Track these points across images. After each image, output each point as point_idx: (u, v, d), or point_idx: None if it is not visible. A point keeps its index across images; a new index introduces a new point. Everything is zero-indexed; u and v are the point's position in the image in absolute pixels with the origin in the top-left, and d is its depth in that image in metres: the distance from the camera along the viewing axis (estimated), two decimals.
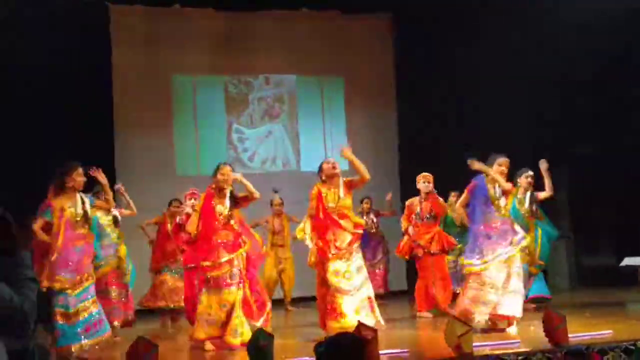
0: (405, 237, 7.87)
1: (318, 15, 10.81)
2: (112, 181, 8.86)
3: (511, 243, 5.93)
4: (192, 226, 5.92)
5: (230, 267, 5.76)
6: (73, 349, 5.53)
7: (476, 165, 5.99)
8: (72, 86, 9.00)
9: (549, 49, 9.56)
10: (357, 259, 5.96)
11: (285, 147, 10.96)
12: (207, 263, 5.75)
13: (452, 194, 8.39)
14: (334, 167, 6.04)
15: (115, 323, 6.79)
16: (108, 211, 6.86)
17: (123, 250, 7.05)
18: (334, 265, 5.81)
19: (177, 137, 10.48)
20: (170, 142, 10.41)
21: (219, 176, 5.91)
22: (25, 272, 2.38)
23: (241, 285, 5.80)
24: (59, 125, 8.90)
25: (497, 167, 6.01)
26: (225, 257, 5.75)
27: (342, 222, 5.94)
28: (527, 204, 7.54)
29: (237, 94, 10.85)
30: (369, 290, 5.99)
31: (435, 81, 10.09)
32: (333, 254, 5.83)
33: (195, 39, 10.43)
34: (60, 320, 5.52)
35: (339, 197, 5.97)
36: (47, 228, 5.67)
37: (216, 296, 5.72)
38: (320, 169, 6.11)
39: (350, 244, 5.91)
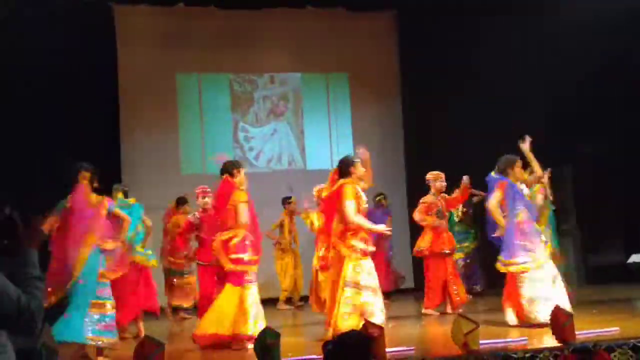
0: (431, 234, 7.75)
1: (322, 13, 10.81)
2: (118, 179, 8.94)
3: (545, 244, 5.98)
4: (245, 217, 5.77)
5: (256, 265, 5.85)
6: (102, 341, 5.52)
7: (525, 147, 6.05)
8: (78, 86, 9.03)
9: (552, 47, 9.55)
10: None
11: (290, 145, 10.96)
12: (254, 258, 5.77)
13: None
14: (364, 174, 5.81)
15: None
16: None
17: None
18: (367, 265, 5.62)
19: (182, 136, 10.50)
20: (176, 141, 10.43)
21: (244, 175, 5.94)
22: (31, 271, 2.39)
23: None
24: (65, 124, 8.93)
25: (517, 170, 6.04)
26: (259, 254, 5.84)
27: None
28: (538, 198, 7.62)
29: (242, 92, 10.85)
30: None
31: (439, 76, 10.07)
32: (366, 253, 5.65)
33: (199, 38, 10.43)
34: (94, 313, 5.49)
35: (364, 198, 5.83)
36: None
37: (247, 292, 5.70)
38: (352, 165, 5.71)
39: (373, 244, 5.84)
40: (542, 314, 5.67)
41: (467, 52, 9.74)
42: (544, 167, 7.69)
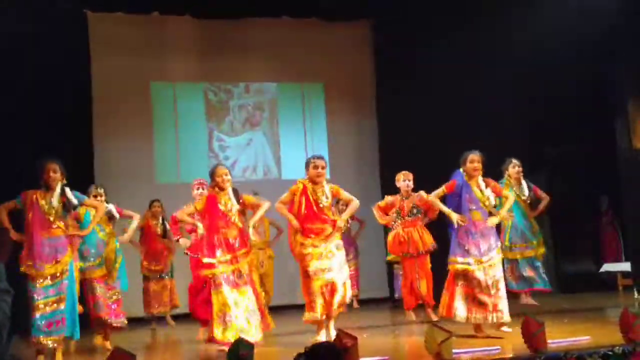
0: (390, 236, 7.83)
1: (298, 23, 10.82)
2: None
3: (495, 247, 5.98)
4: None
5: (237, 264, 5.90)
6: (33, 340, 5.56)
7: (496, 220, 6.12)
8: (51, 93, 8.93)
9: (528, 54, 9.65)
10: (334, 246, 6.02)
11: (265, 155, 10.94)
12: (214, 260, 5.84)
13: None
14: (318, 175, 6.11)
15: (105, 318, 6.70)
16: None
17: (111, 246, 6.89)
18: (309, 249, 5.96)
19: (157, 145, 10.42)
20: (150, 150, 10.36)
21: (217, 178, 6.05)
22: None
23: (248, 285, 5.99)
24: (38, 132, 8.81)
25: (469, 165, 6.03)
26: (229, 255, 5.89)
27: (323, 216, 6.05)
28: (526, 192, 7.63)
29: (217, 102, 10.82)
30: (340, 275, 6.01)
31: (415, 86, 10.13)
32: (310, 243, 5.96)
33: (174, 47, 10.40)
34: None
35: (326, 198, 6.11)
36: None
37: (232, 294, 5.83)
38: (307, 166, 6.20)
39: (327, 236, 6.01)
40: (470, 315, 5.85)
41: (442, 62, 9.81)
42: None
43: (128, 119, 10.18)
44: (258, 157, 10.88)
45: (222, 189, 6.05)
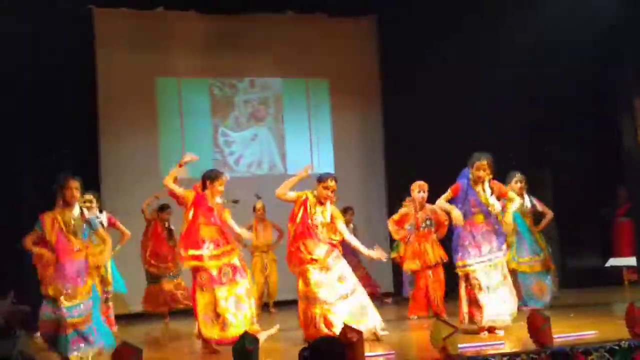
0: (403, 246, 7.83)
1: (303, 18, 10.80)
2: (97, 184, 8.90)
3: (499, 248, 5.95)
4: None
5: (226, 259, 5.86)
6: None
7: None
8: (57, 89, 8.94)
9: (535, 51, 9.62)
10: (338, 268, 5.91)
11: (271, 150, 10.93)
12: (200, 252, 5.82)
13: None
14: (325, 197, 5.99)
15: None
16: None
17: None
18: (314, 277, 5.80)
19: (162, 140, 10.41)
20: (156, 145, 10.34)
21: (218, 186, 6.06)
22: None
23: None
24: (43, 128, 8.84)
25: (475, 172, 6.00)
26: (218, 250, 5.86)
27: (318, 232, 5.95)
28: (529, 206, 7.58)
29: (222, 97, 10.80)
30: (360, 298, 5.92)
31: (420, 82, 10.11)
32: (311, 261, 5.82)
33: (179, 42, 10.37)
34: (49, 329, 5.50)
35: (325, 219, 6.00)
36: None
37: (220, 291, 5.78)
38: (319, 182, 6.05)
39: (327, 255, 5.89)
40: (478, 318, 5.81)
41: (448, 58, 9.78)
42: (523, 171, 7.78)
43: (133, 114, 10.16)
44: (263, 152, 10.87)
45: (213, 196, 6.07)
